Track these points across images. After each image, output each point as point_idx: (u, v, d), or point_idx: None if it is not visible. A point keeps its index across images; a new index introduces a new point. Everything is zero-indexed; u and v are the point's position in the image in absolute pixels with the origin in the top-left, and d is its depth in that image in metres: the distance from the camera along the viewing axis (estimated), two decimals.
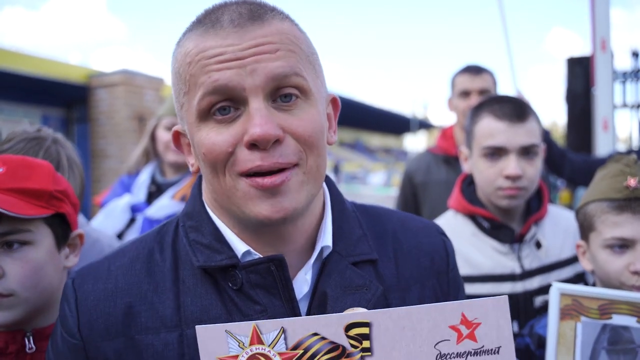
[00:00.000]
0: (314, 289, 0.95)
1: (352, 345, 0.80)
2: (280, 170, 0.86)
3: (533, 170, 1.79)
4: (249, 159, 0.85)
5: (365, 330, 0.80)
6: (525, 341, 1.58)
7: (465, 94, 2.95)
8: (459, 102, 2.99)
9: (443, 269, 1.11)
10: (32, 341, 1.21)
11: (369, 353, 0.79)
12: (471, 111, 1.94)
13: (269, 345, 0.80)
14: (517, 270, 1.82)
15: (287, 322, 0.80)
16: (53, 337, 1.00)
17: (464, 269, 1.81)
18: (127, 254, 0.99)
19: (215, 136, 0.86)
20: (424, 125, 55.86)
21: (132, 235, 2.58)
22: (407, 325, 0.80)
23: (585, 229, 1.59)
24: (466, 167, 2.00)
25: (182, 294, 0.93)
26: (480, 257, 1.84)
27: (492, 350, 0.80)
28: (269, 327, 0.79)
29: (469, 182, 1.99)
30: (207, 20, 0.88)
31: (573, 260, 1.84)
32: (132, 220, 2.65)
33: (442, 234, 1.19)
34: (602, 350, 1.27)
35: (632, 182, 1.46)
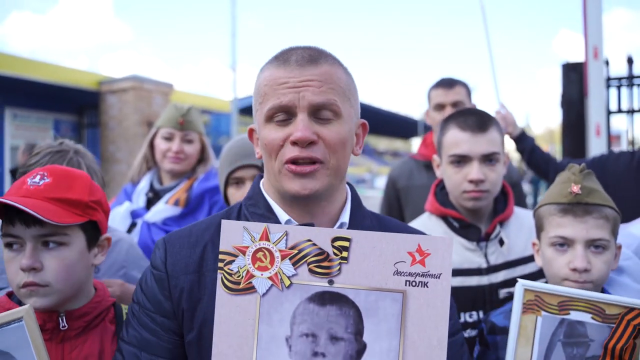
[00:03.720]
0: None
1: (334, 253, 1.06)
2: (312, 162, 1.22)
3: (495, 175, 1.97)
4: (291, 151, 1.22)
5: (346, 244, 1.06)
6: (481, 326, 1.74)
7: (440, 107, 3.12)
8: (434, 114, 3.16)
9: None
10: (64, 320, 1.44)
11: (346, 261, 1.06)
12: (441, 123, 2.11)
13: (273, 243, 1.08)
14: (484, 265, 1.99)
15: (289, 228, 1.08)
16: (142, 279, 1.36)
17: None
18: (204, 222, 1.38)
19: (274, 134, 1.25)
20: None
21: (134, 237, 2.74)
22: (377, 245, 1.06)
23: (538, 228, 1.75)
24: (438, 173, 2.16)
25: None
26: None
27: (435, 275, 1.05)
28: (276, 230, 1.08)
29: (441, 187, 2.17)
30: (281, 58, 1.28)
31: None
32: (133, 225, 2.82)
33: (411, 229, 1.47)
34: (558, 342, 1.38)
35: (575, 188, 1.62)
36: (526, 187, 13.57)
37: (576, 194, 1.61)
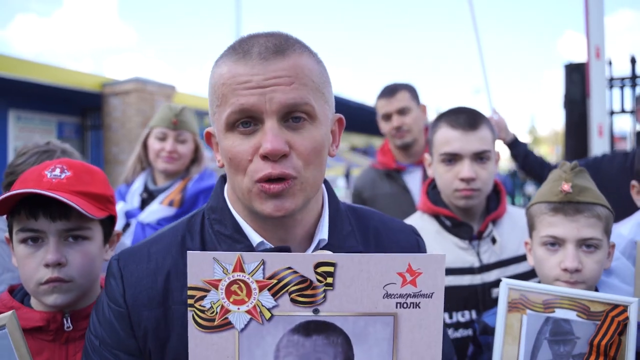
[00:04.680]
0: None
1: (318, 280, 0.97)
2: (284, 179, 1.06)
3: (486, 174, 1.95)
4: (262, 168, 1.05)
5: (330, 269, 0.97)
6: (474, 327, 1.73)
7: (387, 116, 3.14)
8: (383, 124, 3.19)
9: (416, 250, 1.35)
10: (69, 321, 1.39)
11: (331, 288, 0.97)
12: (432, 122, 2.09)
13: (248, 274, 0.96)
14: (476, 264, 1.97)
15: (266, 256, 0.97)
16: (97, 308, 1.20)
17: None
18: (163, 239, 1.20)
19: (238, 146, 1.07)
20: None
21: (128, 238, 2.73)
22: (364, 268, 0.98)
23: (530, 227, 1.72)
24: (430, 172, 2.14)
25: None
26: (443, 252, 1.97)
27: (427, 294, 0.99)
28: (251, 259, 0.96)
29: (433, 186, 2.15)
30: (240, 50, 1.08)
31: None
32: (127, 225, 2.82)
33: (417, 234, 1.38)
34: (544, 340, 1.38)
35: (565, 186, 1.59)
36: (531, 189, 13.51)
37: (567, 192, 1.58)
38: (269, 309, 0.98)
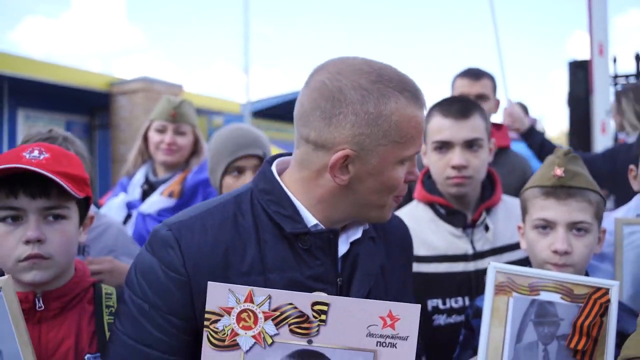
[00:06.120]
0: (348, 251, 1.35)
1: (314, 316, 1.16)
2: None
3: (477, 161, 1.98)
4: (404, 188, 1.30)
5: (324, 307, 1.16)
6: (467, 312, 1.76)
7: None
8: None
9: (409, 248, 1.56)
10: (40, 301, 1.42)
11: (324, 323, 1.16)
12: (427, 111, 2.10)
13: (257, 305, 1.16)
14: (470, 251, 2.00)
15: (272, 292, 1.16)
16: (146, 274, 1.26)
17: (422, 251, 2.01)
18: (215, 216, 1.29)
19: (401, 175, 1.26)
20: None
21: (129, 228, 2.78)
22: (353, 309, 1.16)
23: (523, 211, 1.75)
24: (425, 161, 2.17)
25: (264, 249, 1.27)
26: (437, 239, 2.03)
27: (403, 337, 1.16)
28: (260, 293, 1.16)
29: (429, 175, 2.17)
30: (421, 98, 1.26)
31: None
32: (128, 217, 2.86)
33: (405, 225, 1.59)
34: (529, 322, 1.42)
35: (558, 171, 1.61)
36: None
37: (559, 177, 1.61)
38: (270, 336, 1.17)
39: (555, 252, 1.58)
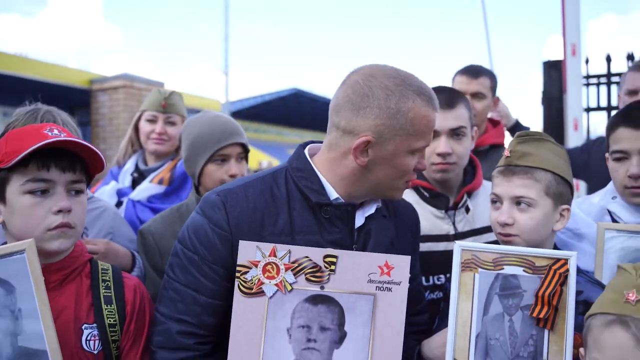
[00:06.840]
0: (363, 225, 1.61)
1: (325, 267, 1.42)
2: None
3: (461, 149, 2.11)
4: (414, 175, 1.58)
5: (334, 259, 1.43)
6: (446, 286, 1.89)
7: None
8: None
9: (415, 226, 1.83)
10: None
11: (333, 272, 1.43)
12: None
13: (279, 258, 1.42)
14: (452, 232, 2.13)
15: (292, 248, 1.43)
16: (197, 233, 1.53)
17: None
18: (255, 186, 1.57)
19: (412, 163, 1.53)
20: None
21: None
22: (356, 261, 1.44)
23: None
24: None
25: (293, 215, 1.54)
26: (421, 220, 2.12)
27: (397, 282, 1.44)
28: (282, 248, 1.43)
29: None
30: (434, 102, 1.54)
31: None
32: (119, 204, 2.92)
33: (417, 214, 1.85)
34: (495, 295, 1.50)
35: (506, 152, 1.79)
36: None
37: (507, 157, 1.78)
38: (290, 284, 1.42)
39: (504, 224, 1.73)
